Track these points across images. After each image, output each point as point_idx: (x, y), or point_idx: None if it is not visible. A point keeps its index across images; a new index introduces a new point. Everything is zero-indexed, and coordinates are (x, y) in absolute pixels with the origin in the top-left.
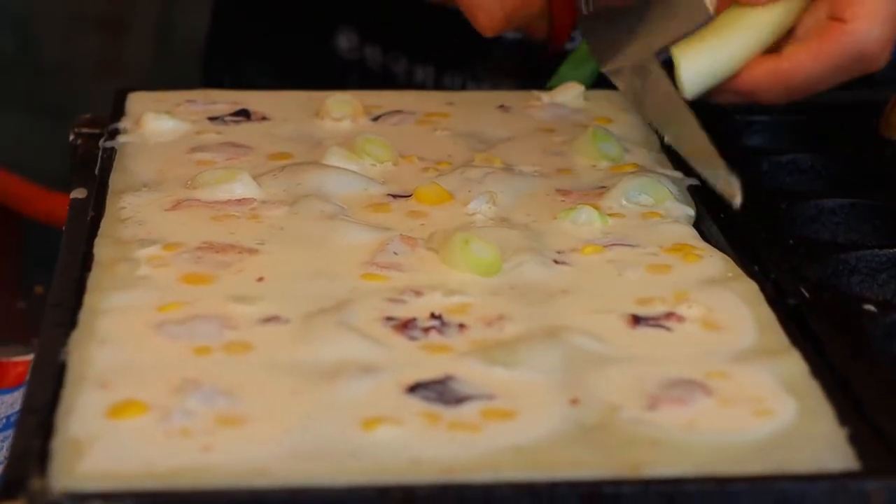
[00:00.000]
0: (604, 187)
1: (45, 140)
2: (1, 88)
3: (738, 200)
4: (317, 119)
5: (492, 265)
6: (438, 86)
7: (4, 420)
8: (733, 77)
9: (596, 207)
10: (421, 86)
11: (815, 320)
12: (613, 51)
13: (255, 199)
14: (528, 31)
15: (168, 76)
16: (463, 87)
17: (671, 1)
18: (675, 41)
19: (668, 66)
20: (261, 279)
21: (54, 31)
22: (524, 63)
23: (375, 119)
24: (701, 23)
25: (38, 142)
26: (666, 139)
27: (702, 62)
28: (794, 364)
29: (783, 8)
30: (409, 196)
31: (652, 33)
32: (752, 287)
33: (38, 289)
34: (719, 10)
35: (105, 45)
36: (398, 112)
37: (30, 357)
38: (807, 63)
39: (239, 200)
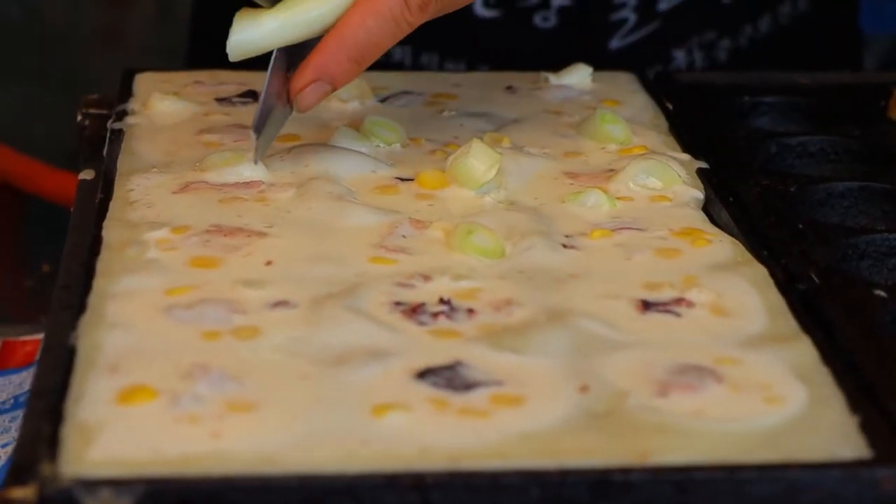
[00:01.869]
0: (612, 170)
1: (49, 114)
2: (5, 60)
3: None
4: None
5: (494, 252)
6: (416, 63)
7: (13, 400)
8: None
9: (604, 191)
10: (399, 63)
11: (825, 306)
12: None
13: (262, 182)
14: None
15: (170, 49)
16: (441, 67)
17: None
18: None
19: None
20: (269, 263)
21: (58, 1)
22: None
23: (383, 100)
24: None
25: (40, 116)
26: None
27: (253, 27)
28: (805, 350)
29: None
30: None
31: None
32: (761, 272)
33: (45, 267)
34: None
35: (108, 16)
36: (406, 93)
37: (37, 336)
38: (360, 20)
39: (247, 183)
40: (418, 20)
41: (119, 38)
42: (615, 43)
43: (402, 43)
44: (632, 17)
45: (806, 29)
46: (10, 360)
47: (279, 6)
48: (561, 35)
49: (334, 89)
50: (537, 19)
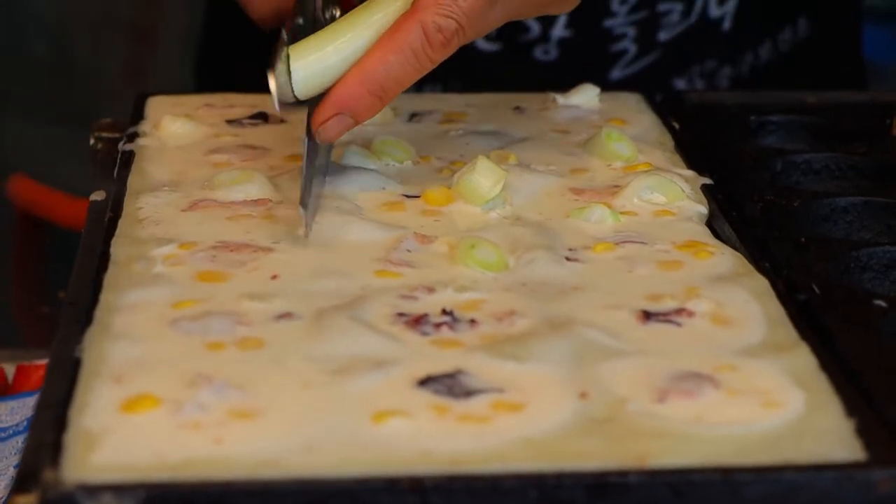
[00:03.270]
0: (617, 186)
1: (73, 149)
2: (31, 95)
3: (301, 232)
4: None
5: (497, 265)
6: (419, 90)
7: (26, 422)
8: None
9: (608, 206)
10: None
11: (824, 315)
12: None
13: (270, 200)
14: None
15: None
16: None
17: None
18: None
19: None
20: (275, 277)
21: (85, 38)
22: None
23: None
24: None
25: (64, 150)
26: None
27: (314, 62)
28: (803, 358)
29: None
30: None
31: None
32: (762, 283)
33: (62, 294)
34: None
35: (133, 53)
36: (416, 114)
37: None
38: (381, 55)
39: (255, 201)
40: (440, 56)
41: (143, 75)
42: (616, 73)
43: None
44: (632, 48)
45: (807, 56)
46: (24, 383)
47: (329, 38)
48: (562, 67)
49: (357, 123)
50: (538, 52)
